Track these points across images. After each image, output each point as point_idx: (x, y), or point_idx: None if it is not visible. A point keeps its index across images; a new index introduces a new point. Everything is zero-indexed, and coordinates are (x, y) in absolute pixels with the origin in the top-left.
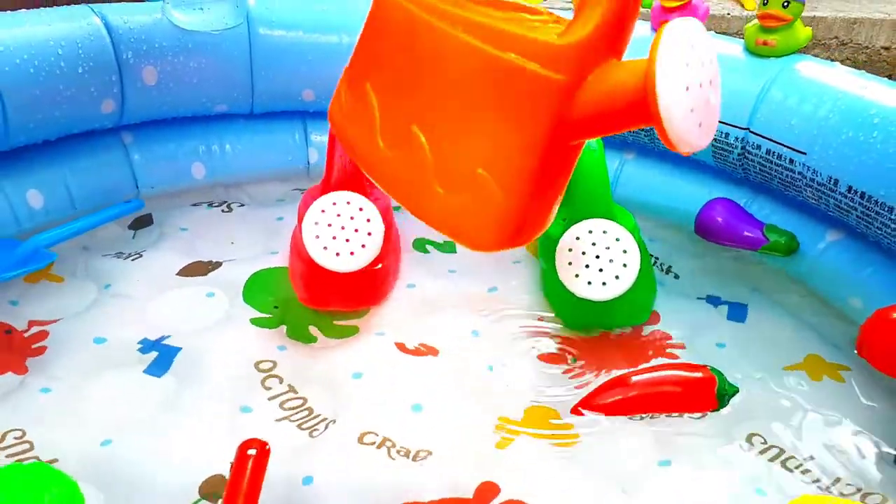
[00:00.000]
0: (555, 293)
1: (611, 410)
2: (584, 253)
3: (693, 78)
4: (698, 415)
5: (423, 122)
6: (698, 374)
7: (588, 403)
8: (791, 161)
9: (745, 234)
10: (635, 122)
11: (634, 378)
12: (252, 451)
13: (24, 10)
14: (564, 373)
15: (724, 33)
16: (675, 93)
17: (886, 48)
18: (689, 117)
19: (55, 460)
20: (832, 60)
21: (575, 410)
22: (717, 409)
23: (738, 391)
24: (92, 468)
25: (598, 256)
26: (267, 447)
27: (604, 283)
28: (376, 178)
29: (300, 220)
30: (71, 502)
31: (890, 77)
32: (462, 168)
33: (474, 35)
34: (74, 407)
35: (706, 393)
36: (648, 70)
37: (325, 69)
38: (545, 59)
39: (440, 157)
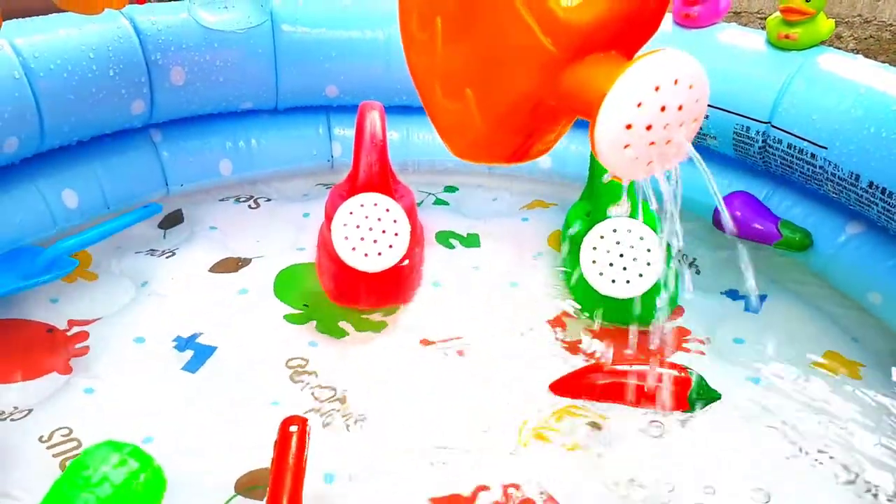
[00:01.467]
0: (579, 288)
1: (583, 394)
2: (608, 251)
3: (642, 119)
4: (704, 409)
5: (445, 18)
6: (674, 373)
7: (562, 385)
8: (812, 156)
9: (760, 228)
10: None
11: (612, 367)
12: (294, 428)
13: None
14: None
15: (745, 11)
16: (611, 129)
17: None
18: (619, 151)
19: None
20: (856, 37)
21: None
22: (689, 411)
23: (717, 398)
24: None
25: (622, 255)
26: (308, 424)
27: (627, 282)
28: (406, 54)
29: (327, 217)
30: (157, 485)
31: None
32: (457, 80)
33: None
34: (117, 406)
35: (679, 393)
36: (601, 96)
37: (348, 65)
38: (546, 26)
39: (446, 59)
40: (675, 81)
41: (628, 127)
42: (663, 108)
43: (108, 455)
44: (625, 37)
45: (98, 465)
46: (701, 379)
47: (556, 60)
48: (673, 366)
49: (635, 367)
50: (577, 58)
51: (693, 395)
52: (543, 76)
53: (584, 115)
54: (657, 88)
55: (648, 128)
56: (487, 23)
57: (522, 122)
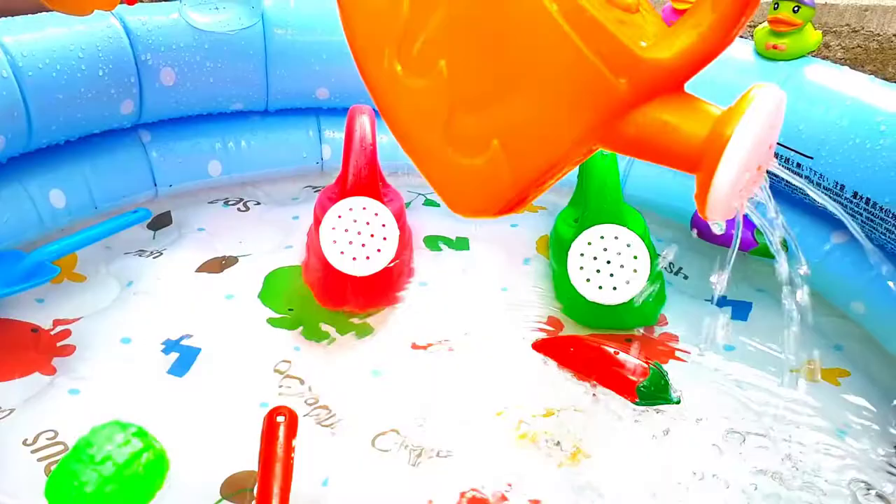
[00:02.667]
0: (566, 294)
1: (556, 358)
2: (595, 258)
3: (755, 161)
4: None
5: (456, 62)
6: (636, 363)
7: (542, 347)
8: (798, 165)
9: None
10: (677, 168)
11: (587, 342)
12: (281, 419)
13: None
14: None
15: None
16: (736, 175)
17: None
18: (732, 197)
19: None
20: (843, 47)
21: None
22: (638, 403)
23: (670, 401)
24: None
25: (608, 262)
26: (295, 415)
27: (614, 288)
28: (382, 103)
29: (316, 220)
30: (159, 467)
31: None
32: (475, 130)
33: (563, 12)
34: (103, 407)
35: (628, 381)
36: (720, 141)
37: (340, 68)
38: (619, 65)
39: (456, 109)
40: (778, 116)
41: (748, 170)
42: (771, 146)
43: (114, 434)
44: (695, 72)
45: (103, 444)
46: (660, 377)
47: (625, 103)
48: (644, 359)
49: (604, 348)
50: (648, 99)
51: (642, 387)
52: (605, 121)
53: (667, 160)
54: (771, 126)
55: (759, 168)
56: (529, 65)
57: (555, 172)
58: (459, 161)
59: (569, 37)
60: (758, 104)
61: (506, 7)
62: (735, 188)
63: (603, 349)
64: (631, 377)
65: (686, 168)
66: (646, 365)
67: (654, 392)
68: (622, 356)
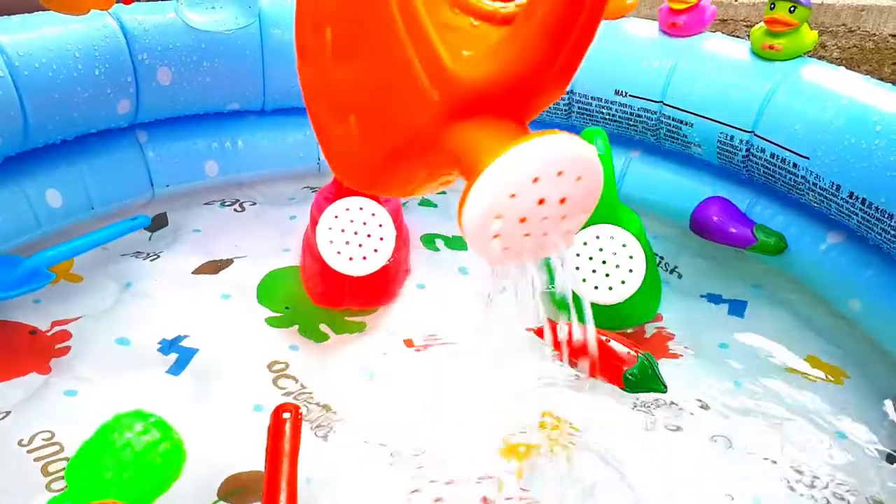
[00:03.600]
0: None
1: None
2: (591, 258)
3: (515, 211)
4: (690, 411)
5: (335, 31)
6: (625, 352)
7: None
8: (794, 165)
9: (735, 232)
10: None
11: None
12: (287, 415)
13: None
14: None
15: (731, 19)
16: (478, 217)
17: (894, 35)
18: (486, 241)
19: None
20: (840, 47)
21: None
22: (626, 390)
23: (658, 390)
24: None
25: (604, 262)
26: (300, 411)
27: (610, 288)
28: (297, 62)
29: (312, 221)
30: (176, 457)
31: None
32: (342, 102)
33: (400, 8)
34: (100, 408)
35: (616, 368)
36: (476, 174)
37: None
38: (434, 74)
39: (333, 77)
40: (560, 173)
41: (498, 216)
42: (542, 201)
43: (134, 423)
44: (524, 101)
45: (123, 431)
46: (648, 366)
47: (440, 112)
48: (634, 347)
49: (600, 338)
50: (465, 115)
51: (630, 374)
52: (426, 124)
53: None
54: (535, 180)
55: (522, 220)
56: (375, 51)
57: (408, 164)
58: (331, 129)
59: (400, 35)
60: (513, 153)
61: (371, 9)
62: (483, 229)
63: (599, 340)
64: (619, 364)
65: None
66: (635, 354)
67: (641, 380)
68: (613, 343)
